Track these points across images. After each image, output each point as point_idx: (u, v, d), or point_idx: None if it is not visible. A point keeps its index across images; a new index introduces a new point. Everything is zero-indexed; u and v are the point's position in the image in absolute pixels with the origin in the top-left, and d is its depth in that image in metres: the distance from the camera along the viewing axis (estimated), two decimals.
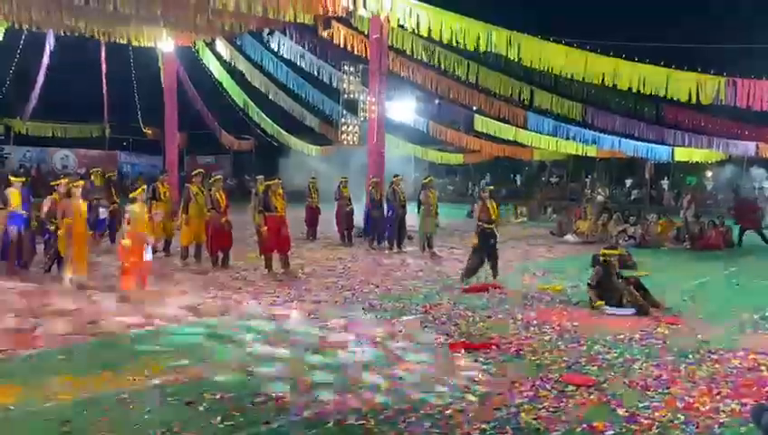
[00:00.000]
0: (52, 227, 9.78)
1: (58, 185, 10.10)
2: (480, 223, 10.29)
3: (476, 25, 14.39)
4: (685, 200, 18.95)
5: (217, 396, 5.00)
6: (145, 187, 9.48)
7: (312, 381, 5.37)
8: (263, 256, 10.95)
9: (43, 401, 4.86)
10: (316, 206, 15.95)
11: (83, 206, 9.62)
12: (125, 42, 22.10)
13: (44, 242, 10.01)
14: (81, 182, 10.41)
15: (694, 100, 13.48)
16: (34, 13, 17.87)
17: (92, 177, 13.63)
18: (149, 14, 17.23)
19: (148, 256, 8.86)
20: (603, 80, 14.05)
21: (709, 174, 30.46)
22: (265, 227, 10.77)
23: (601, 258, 8.90)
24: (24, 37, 21.93)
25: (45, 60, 24.61)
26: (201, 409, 4.78)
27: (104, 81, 27.59)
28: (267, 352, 6.20)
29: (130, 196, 9.24)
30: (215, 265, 11.21)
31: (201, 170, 12.71)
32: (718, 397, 5.18)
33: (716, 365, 6.03)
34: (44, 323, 7.18)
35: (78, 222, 9.33)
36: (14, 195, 10.28)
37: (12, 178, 11.06)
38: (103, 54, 25.89)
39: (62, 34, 20.88)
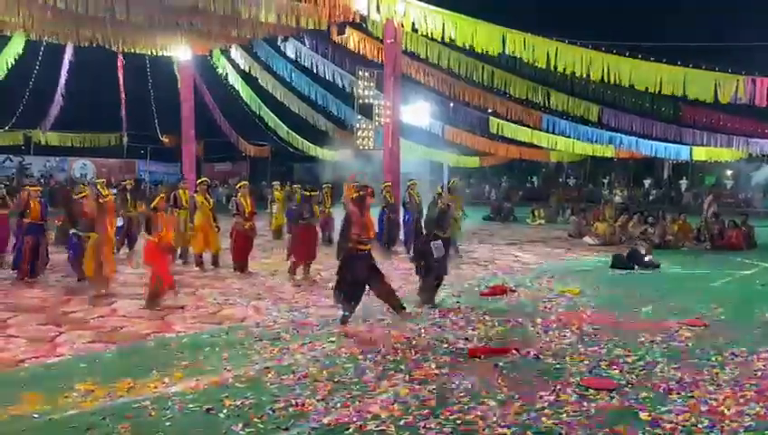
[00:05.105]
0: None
1: (83, 196, 9.84)
2: None
3: (491, 28, 14.35)
4: (706, 202, 18.59)
5: (237, 403, 5.01)
6: (164, 195, 9.43)
7: (332, 387, 5.37)
8: (290, 262, 11.00)
9: (66, 408, 4.90)
10: (329, 211, 15.99)
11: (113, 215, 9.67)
12: (142, 51, 22.32)
13: (72, 248, 10.03)
14: (112, 196, 10.45)
15: (711, 99, 13.35)
16: (53, 25, 18.13)
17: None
18: (166, 23, 17.39)
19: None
20: (620, 80, 13.96)
21: (729, 173, 30.14)
22: (301, 237, 10.94)
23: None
24: (42, 49, 22.23)
25: (64, 71, 24.92)
26: (221, 415, 4.79)
27: (122, 90, 27.87)
28: (286, 359, 6.21)
29: (152, 205, 8.96)
30: (236, 271, 11.26)
31: (206, 179, 12.79)
32: (743, 400, 5.11)
33: (740, 368, 5.95)
34: (66, 331, 7.25)
35: (107, 234, 9.38)
36: (35, 205, 10.41)
37: (30, 189, 11.17)
38: (120, 64, 26.15)
39: (80, 45, 21.13)
